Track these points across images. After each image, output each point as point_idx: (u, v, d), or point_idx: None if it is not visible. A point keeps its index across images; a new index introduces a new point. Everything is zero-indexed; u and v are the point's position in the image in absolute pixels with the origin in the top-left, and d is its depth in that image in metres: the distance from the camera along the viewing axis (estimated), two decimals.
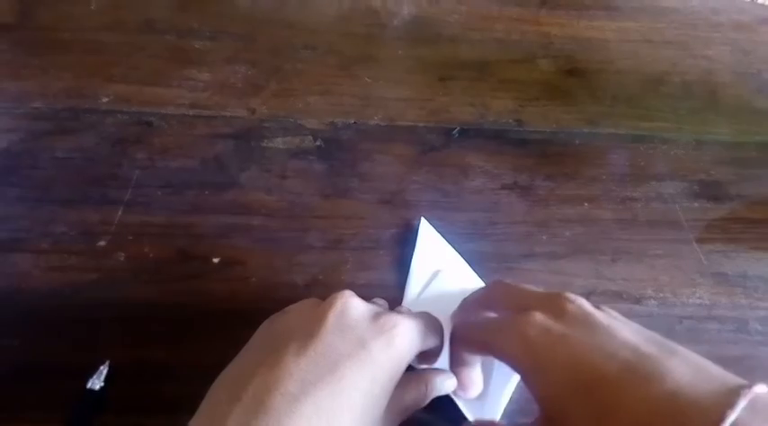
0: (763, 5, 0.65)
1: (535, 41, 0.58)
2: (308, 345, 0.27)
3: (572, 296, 0.30)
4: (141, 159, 0.46)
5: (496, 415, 0.35)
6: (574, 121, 0.52)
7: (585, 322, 0.28)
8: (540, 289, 0.32)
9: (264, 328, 0.30)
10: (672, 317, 0.41)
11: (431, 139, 0.50)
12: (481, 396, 0.34)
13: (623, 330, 0.28)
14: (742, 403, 0.22)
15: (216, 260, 0.41)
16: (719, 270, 0.44)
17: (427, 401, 0.32)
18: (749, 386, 0.23)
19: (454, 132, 0.50)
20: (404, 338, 0.28)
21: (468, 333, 0.32)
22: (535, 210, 0.46)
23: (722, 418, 0.22)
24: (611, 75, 0.56)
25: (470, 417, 0.34)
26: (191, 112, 0.49)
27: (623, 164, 0.50)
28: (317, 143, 0.48)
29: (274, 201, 0.45)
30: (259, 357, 0.27)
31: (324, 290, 0.40)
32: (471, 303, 0.35)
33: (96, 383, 0.35)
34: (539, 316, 0.29)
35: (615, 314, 0.30)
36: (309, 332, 0.27)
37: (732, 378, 0.25)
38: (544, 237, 0.45)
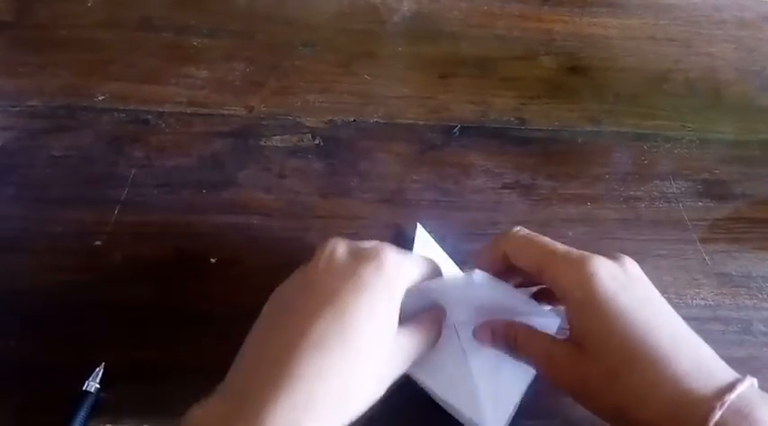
0: (766, 2, 0.64)
1: (537, 38, 0.57)
2: (305, 295, 0.29)
3: (626, 256, 0.33)
4: (138, 158, 0.45)
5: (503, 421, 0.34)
6: (576, 119, 0.52)
7: (639, 283, 0.31)
8: None
9: (270, 302, 0.31)
10: None
11: (431, 138, 0.49)
12: (489, 404, 0.34)
13: (666, 304, 0.31)
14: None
15: (213, 260, 0.41)
16: (723, 271, 0.44)
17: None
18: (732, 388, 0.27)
19: (455, 130, 0.50)
20: (392, 259, 0.30)
21: (521, 248, 0.33)
22: (537, 210, 0.46)
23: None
24: (614, 73, 0.55)
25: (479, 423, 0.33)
26: (188, 110, 0.49)
27: (626, 162, 0.49)
28: (316, 141, 0.48)
29: (273, 201, 0.44)
30: (268, 333, 0.29)
31: None
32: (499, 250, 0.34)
33: (92, 385, 0.35)
34: (608, 261, 0.31)
35: None
36: (304, 286, 0.30)
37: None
38: None
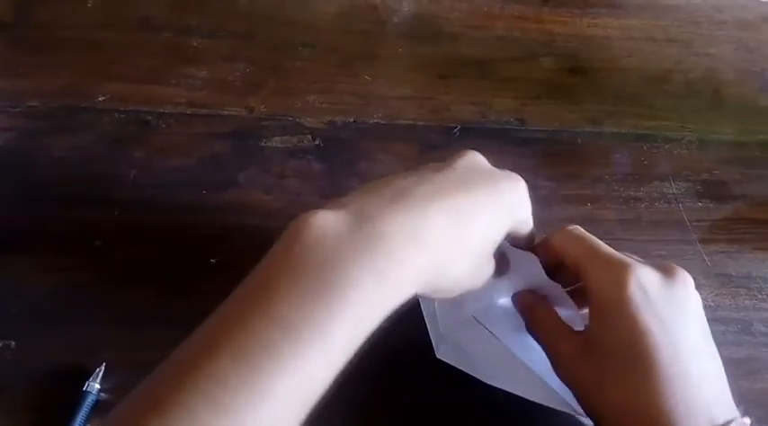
0: (766, 3, 0.64)
1: (537, 39, 0.57)
2: (441, 169, 0.29)
3: (686, 272, 0.32)
4: (138, 158, 0.45)
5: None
6: (576, 120, 0.52)
7: (680, 304, 0.30)
8: None
9: None
10: None
11: (431, 138, 0.49)
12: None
13: (699, 335, 0.30)
14: None
15: (213, 260, 0.41)
16: (723, 271, 0.44)
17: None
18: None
19: (455, 131, 0.50)
20: (525, 189, 0.31)
21: (567, 243, 0.33)
22: (537, 211, 0.45)
23: None
24: (614, 74, 0.55)
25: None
26: (188, 111, 0.49)
27: (626, 163, 0.49)
28: (316, 142, 0.48)
29: (273, 201, 0.44)
30: (395, 177, 0.29)
31: None
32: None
33: (92, 385, 0.35)
34: (651, 272, 0.30)
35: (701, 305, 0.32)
36: (441, 167, 0.30)
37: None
38: None
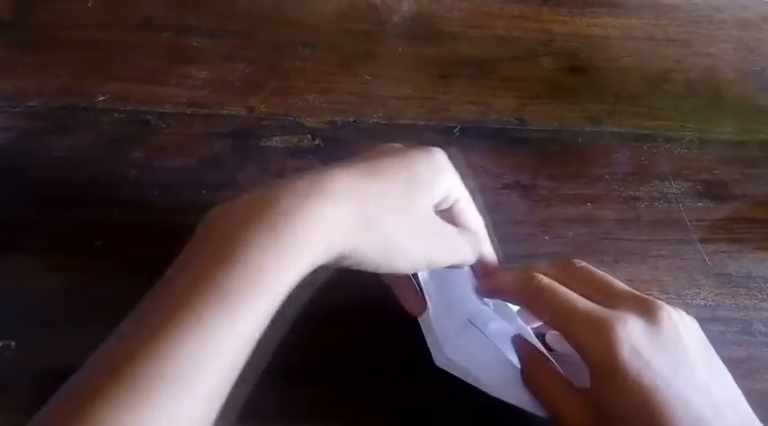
0: (766, 2, 0.64)
1: (537, 39, 0.57)
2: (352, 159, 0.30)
3: (667, 307, 0.30)
4: (138, 158, 0.45)
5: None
6: (576, 120, 0.52)
7: (674, 347, 0.29)
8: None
9: None
10: None
11: (431, 138, 0.49)
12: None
13: (702, 371, 0.29)
14: None
15: None
16: (723, 271, 0.44)
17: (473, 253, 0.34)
18: None
19: (455, 131, 0.50)
20: (442, 156, 0.31)
21: (540, 302, 0.32)
22: (537, 210, 0.46)
23: None
24: (614, 73, 0.55)
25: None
26: (188, 111, 0.49)
27: (626, 163, 0.49)
28: (316, 142, 0.48)
29: None
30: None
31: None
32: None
33: None
34: (636, 324, 0.29)
35: (695, 328, 0.31)
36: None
37: None
38: (546, 238, 0.44)
